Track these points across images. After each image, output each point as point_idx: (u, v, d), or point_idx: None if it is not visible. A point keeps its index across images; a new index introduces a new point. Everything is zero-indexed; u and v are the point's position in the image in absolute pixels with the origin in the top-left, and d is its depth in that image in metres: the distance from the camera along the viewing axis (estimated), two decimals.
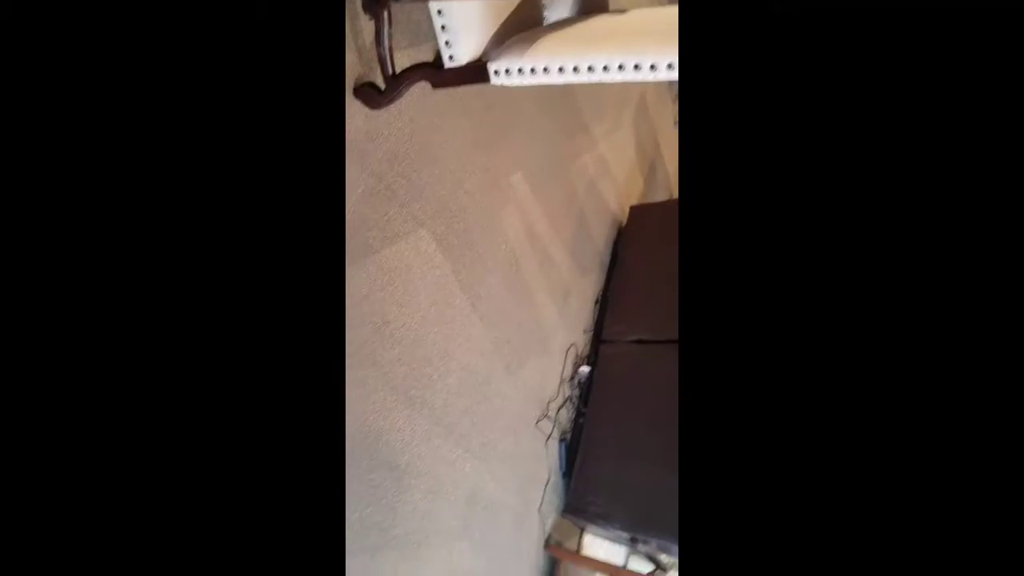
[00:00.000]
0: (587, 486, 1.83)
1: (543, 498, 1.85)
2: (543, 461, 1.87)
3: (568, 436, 2.00)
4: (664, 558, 1.97)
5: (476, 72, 1.00)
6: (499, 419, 1.62)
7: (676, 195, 2.96)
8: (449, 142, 1.39)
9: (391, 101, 1.12)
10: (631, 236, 2.38)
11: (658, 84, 2.88)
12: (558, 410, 1.95)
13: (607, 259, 2.41)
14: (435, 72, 1.04)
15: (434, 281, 1.36)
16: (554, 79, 0.94)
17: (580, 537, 2.05)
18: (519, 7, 1.06)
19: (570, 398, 2.03)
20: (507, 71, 0.97)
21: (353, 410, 1.13)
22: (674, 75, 0.84)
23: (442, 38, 0.98)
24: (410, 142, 1.26)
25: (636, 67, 0.88)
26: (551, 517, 1.91)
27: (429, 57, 1.07)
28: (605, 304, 2.26)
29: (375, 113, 1.16)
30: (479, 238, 1.52)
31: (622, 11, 1.12)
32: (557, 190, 1.99)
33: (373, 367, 1.17)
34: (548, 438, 1.89)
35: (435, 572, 1.36)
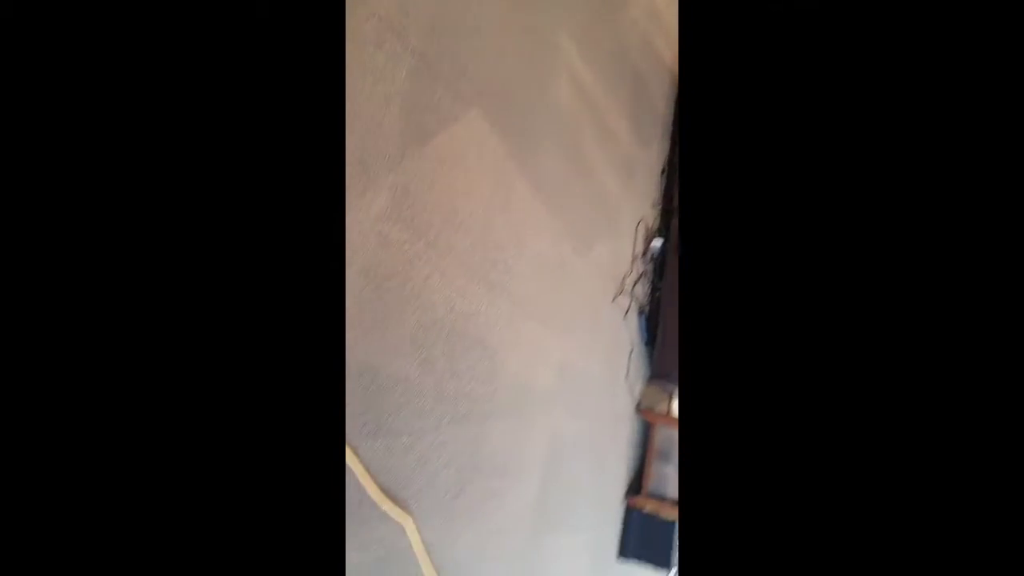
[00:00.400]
0: (671, 353, 1.85)
1: (628, 367, 1.91)
2: (624, 333, 1.90)
3: (646, 309, 2.00)
4: None
5: None
6: (577, 298, 1.64)
7: None
8: (485, 3, 1.27)
9: None
10: None
11: None
12: (634, 285, 1.94)
13: (670, 121, 2.22)
14: None
15: (492, 165, 1.32)
16: None
17: (669, 401, 2.13)
18: None
19: (644, 273, 2.01)
20: None
21: (440, 297, 1.18)
22: None
23: None
24: (445, 8, 1.16)
25: None
26: (639, 384, 1.99)
27: None
28: (673, 172, 2.12)
29: None
30: (532, 114, 1.43)
31: None
32: (607, 47, 1.80)
33: (450, 255, 1.20)
34: (627, 312, 1.90)
35: (540, 436, 1.48)
